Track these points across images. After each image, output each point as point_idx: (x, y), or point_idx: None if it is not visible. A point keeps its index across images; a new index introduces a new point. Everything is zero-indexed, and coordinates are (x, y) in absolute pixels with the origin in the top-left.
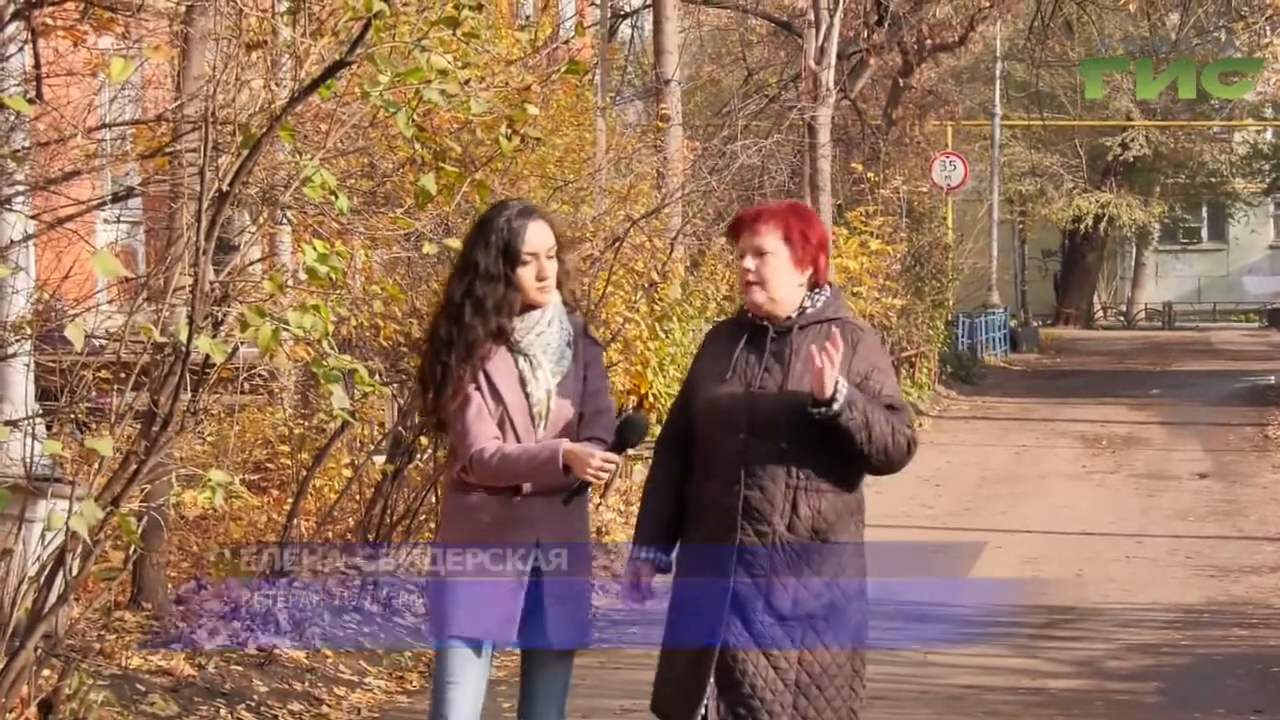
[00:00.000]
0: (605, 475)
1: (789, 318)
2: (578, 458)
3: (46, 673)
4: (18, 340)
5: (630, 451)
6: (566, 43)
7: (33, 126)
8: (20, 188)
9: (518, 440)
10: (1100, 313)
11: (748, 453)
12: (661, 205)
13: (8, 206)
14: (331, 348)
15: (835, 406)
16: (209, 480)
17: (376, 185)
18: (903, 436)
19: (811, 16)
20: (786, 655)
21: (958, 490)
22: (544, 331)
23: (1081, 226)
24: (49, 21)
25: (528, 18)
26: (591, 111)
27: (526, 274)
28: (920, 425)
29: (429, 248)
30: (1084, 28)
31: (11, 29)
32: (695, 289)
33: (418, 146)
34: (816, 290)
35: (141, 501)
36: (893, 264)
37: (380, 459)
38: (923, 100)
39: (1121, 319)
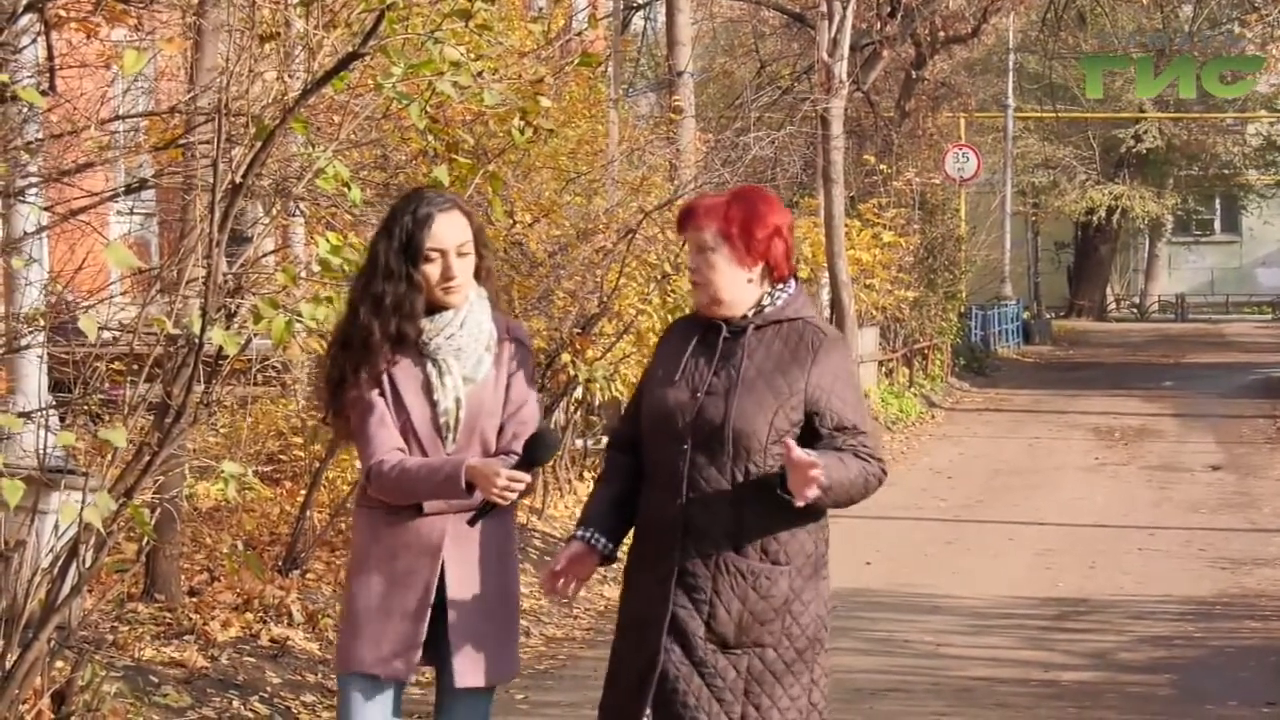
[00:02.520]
0: (512, 495)
1: (744, 316)
2: (482, 475)
3: (60, 664)
4: (31, 332)
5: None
6: (579, 35)
7: (46, 118)
8: (34, 180)
9: (423, 453)
10: (1113, 305)
11: (690, 464)
12: (674, 197)
13: (21, 198)
14: None
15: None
16: (222, 472)
17: (390, 177)
18: (875, 479)
19: (824, 8)
20: (731, 687)
21: (970, 482)
22: (455, 334)
23: (1094, 218)
24: (62, 13)
25: (540, 10)
26: (604, 103)
27: (430, 272)
28: (933, 418)
29: None
30: (1097, 20)
31: (25, 21)
32: None
33: (431, 138)
34: (780, 286)
35: (154, 493)
36: (905, 256)
37: None
38: (936, 92)
39: (1134, 311)
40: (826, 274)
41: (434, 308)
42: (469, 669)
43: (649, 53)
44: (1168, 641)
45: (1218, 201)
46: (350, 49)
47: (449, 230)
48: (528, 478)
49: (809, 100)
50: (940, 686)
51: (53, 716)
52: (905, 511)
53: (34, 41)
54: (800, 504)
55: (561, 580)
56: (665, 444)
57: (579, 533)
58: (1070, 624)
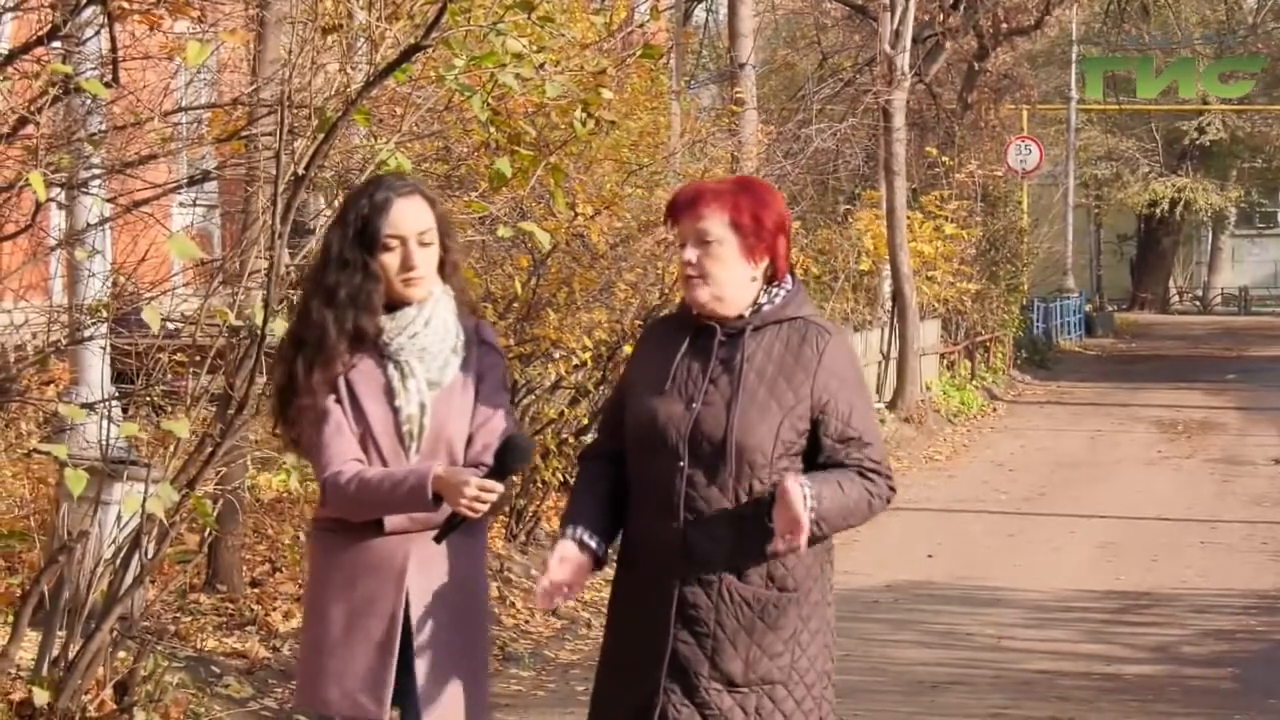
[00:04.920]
0: (482, 507)
1: (741, 316)
2: (449, 485)
3: (122, 655)
4: (94, 323)
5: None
6: (641, 26)
7: (109, 110)
8: (97, 171)
9: (384, 464)
10: (1176, 297)
11: (688, 483)
12: None
13: (84, 190)
14: None
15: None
16: (284, 463)
17: (451, 169)
18: (880, 500)
19: (886, 0)
20: None
21: (1032, 475)
22: (419, 333)
23: (1157, 211)
24: (125, 5)
25: (603, 1)
26: (666, 95)
27: (389, 261)
28: (995, 410)
29: (503, 231)
30: (1160, 12)
31: (88, 13)
32: None
33: (492, 130)
34: (775, 284)
35: (217, 484)
36: (967, 248)
37: None
38: (998, 84)
39: (1197, 304)
40: (888, 266)
41: (394, 304)
42: (439, 708)
43: (711, 45)
44: (1230, 635)
45: None
46: (412, 41)
47: (409, 216)
48: (500, 488)
49: (871, 92)
50: (1002, 679)
51: (115, 707)
52: (967, 504)
53: (97, 34)
54: (780, 550)
55: (558, 591)
56: (657, 461)
57: (568, 530)
58: (1132, 617)
